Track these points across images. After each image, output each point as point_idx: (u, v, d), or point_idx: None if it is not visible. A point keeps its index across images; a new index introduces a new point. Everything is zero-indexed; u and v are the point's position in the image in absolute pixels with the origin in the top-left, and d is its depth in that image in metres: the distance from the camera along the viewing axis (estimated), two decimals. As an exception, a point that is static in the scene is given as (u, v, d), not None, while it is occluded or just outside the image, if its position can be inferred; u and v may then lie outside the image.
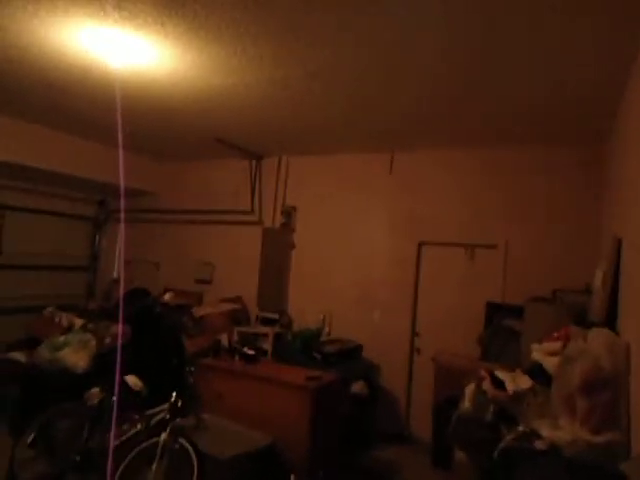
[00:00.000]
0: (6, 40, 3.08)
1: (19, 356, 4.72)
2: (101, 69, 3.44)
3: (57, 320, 5.02)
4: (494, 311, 4.50)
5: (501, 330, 4.33)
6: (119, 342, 4.25)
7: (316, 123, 4.43)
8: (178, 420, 3.43)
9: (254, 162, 6.00)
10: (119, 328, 4.62)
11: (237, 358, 4.27)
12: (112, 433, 3.42)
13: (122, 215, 6.71)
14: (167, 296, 5.46)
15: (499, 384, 3.04)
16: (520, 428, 2.65)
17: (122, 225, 6.42)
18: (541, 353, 3.02)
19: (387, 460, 4.41)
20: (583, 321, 3.40)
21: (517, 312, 4.14)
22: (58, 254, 6.51)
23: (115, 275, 6.98)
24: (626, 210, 2.68)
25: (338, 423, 4.04)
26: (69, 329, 4.85)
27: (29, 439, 3.65)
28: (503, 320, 4.39)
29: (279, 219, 5.86)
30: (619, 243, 2.79)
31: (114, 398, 3.72)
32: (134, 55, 3.16)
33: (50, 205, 6.39)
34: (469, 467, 3.11)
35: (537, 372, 2.98)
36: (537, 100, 3.49)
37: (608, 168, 3.90)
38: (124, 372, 3.96)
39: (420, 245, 5.16)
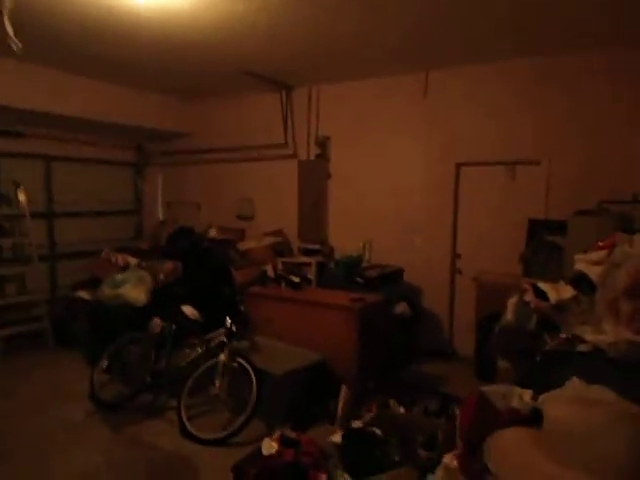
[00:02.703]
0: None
1: (85, 294, 5.12)
2: (125, 7, 3.41)
3: (114, 260, 5.35)
4: (536, 228, 4.45)
5: (544, 246, 4.31)
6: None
7: (343, 43, 4.26)
8: (234, 342, 3.72)
9: (284, 93, 5.91)
10: (170, 265, 4.91)
11: (283, 285, 4.48)
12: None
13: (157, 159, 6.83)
14: (212, 231, 5.69)
15: (542, 295, 3.09)
16: (563, 334, 2.72)
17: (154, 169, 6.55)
18: (585, 263, 3.02)
19: (432, 374, 4.64)
20: (630, 230, 3.34)
21: (560, 227, 4.09)
22: (107, 200, 6.79)
23: (160, 217, 7.27)
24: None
25: (383, 341, 4.25)
26: (125, 268, 5.18)
27: (103, 365, 4.06)
28: (545, 236, 4.35)
29: (314, 150, 5.84)
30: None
31: (173, 326, 4.05)
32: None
33: (92, 153, 6.58)
34: (512, 375, 3.22)
35: (581, 282, 3.00)
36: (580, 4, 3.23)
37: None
38: (180, 303, 4.26)
39: (458, 166, 5.07)
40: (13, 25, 3.04)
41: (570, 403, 1.17)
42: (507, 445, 1.21)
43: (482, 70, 4.80)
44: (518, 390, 1.59)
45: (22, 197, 5.39)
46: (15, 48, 3.11)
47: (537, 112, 4.57)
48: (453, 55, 4.61)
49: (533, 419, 1.30)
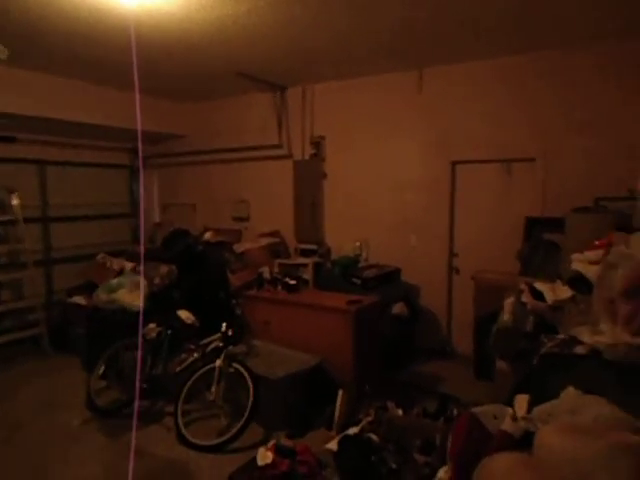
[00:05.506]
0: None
1: (80, 300, 5.10)
2: (115, 10, 3.37)
3: (109, 265, 5.32)
4: (533, 225, 4.41)
5: (541, 244, 4.27)
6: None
7: (337, 43, 4.21)
8: (230, 347, 3.69)
9: (278, 94, 5.86)
10: (165, 268, 4.88)
11: (280, 288, 4.45)
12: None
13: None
14: (207, 234, 5.66)
15: (538, 295, 3.06)
16: (560, 336, 2.69)
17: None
18: (582, 262, 2.98)
19: (430, 374, 4.62)
20: (627, 228, 3.30)
21: (558, 225, 4.04)
22: (102, 203, 6.76)
23: (156, 219, 7.23)
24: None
25: (380, 342, 4.23)
26: (120, 272, 5.15)
27: (100, 371, 4.03)
28: (543, 234, 4.31)
29: (308, 150, 5.80)
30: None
31: (169, 331, 4.02)
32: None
33: (86, 156, 6.54)
34: (510, 376, 3.20)
35: (578, 282, 2.97)
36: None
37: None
38: (176, 308, 4.23)
39: (454, 164, 5.03)
40: (-2, 31, 3.01)
41: (563, 432, 1.14)
42: (498, 472, 1.18)
43: (476, 67, 4.75)
44: (509, 410, 1.57)
45: (16, 202, 5.35)
46: (1, 55, 3.07)
47: (532, 109, 4.53)
48: (447, 52, 4.56)
49: (525, 442, 1.27)
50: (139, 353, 3.64)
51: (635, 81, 4.02)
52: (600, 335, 2.42)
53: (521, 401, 1.97)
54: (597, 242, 3.03)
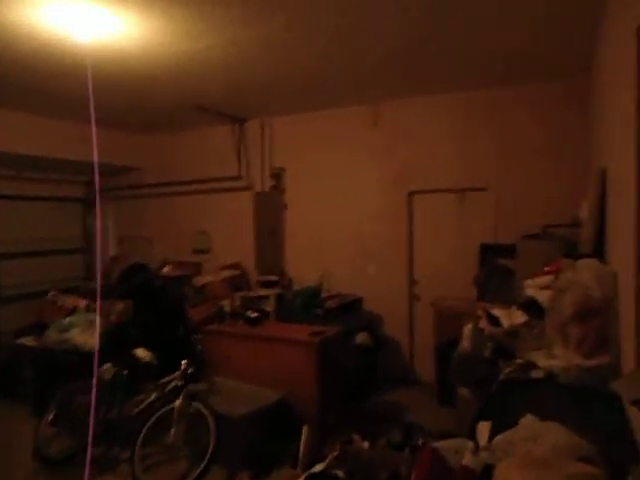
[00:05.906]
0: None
1: (28, 341, 4.82)
2: (68, 45, 3.33)
3: (60, 303, 5.08)
4: (488, 252, 4.58)
5: (495, 270, 4.42)
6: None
7: (295, 78, 4.32)
8: (191, 386, 3.56)
9: (237, 126, 5.91)
10: (121, 305, 4.70)
11: (241, 322, 4.38)
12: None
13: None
14: (166, 268, 5.52)
15: (495, 321, 3.14)
16: (517, 361, 2.77)
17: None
18: (534, 288, 3.10)
19: (395, 402, 4.61)
20: (573, 253, 3.47)
21: (510, 251, 4.21)
22: (53, 238, 6.50)
23: (112, 253, 7.01)
24: (609, 141, 2.69)
25: (344, 373, 4.20)
26: (73, 310, 4.93)
27: (50, 417, 3.79)
28: (497, 260, 4.47)
29: (268, 182, 5.83)
30: (604, 173, 2.81)
31: (125, 371, 3.85)
32: (99, 26, 3.06)
33: (38, 190, 6.32)
34: (472, 402, 3.24)
35: (531, 307, 3.08)
36: (511, 38, 3.44)
37: (592, 100, 3.88)
38: (133, 346, 4.06)
39: (411, 194, 5.18)
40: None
41: (520, 467, 1.18)
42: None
43: (431, 101, 4.97)
44: (470, 443, 1.59)
45: (-42, 239, 5.08)
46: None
47: (480, 142, 4.77)
48: (405, 87, 4.77)
49: (487, 475, 1.29)
50: (93, 396, 3.45)
51: (578, 115, 4.31)
52: (554, 359, 2.50)
53: (483, 429, 1.99)
54: (547, 268, 3.17)
